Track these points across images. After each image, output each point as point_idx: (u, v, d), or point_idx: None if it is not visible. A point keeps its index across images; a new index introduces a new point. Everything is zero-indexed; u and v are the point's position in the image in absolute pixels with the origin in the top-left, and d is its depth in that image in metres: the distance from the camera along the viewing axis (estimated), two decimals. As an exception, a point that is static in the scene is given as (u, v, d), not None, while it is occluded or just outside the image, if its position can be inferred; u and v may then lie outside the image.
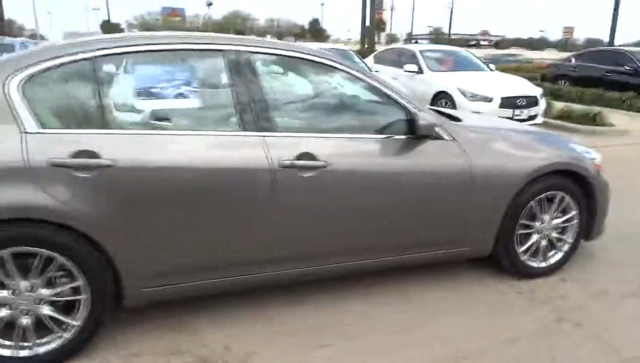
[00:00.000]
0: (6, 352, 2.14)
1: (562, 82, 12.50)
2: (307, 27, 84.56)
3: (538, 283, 3.04)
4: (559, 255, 3.16)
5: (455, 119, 3.14)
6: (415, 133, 2.64)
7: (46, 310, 2.18)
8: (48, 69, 2.17)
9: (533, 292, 2.94)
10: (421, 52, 9.45)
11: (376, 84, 2.69)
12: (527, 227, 3.02)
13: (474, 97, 7.81)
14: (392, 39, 79.95)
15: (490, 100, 7.74)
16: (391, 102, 2.69)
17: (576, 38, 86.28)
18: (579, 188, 3.07)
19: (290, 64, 2.65)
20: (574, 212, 3.09)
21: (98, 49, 2.25)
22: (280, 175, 2.38)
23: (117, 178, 2.16)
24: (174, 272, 2.35)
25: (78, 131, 2.16)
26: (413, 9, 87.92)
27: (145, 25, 70.19)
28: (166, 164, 2.22)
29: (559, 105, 9.48)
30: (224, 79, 2.41)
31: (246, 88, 2.40)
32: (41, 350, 2.19)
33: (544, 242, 3.10)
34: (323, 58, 2.62)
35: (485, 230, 2.90)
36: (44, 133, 2.11)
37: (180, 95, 2.38)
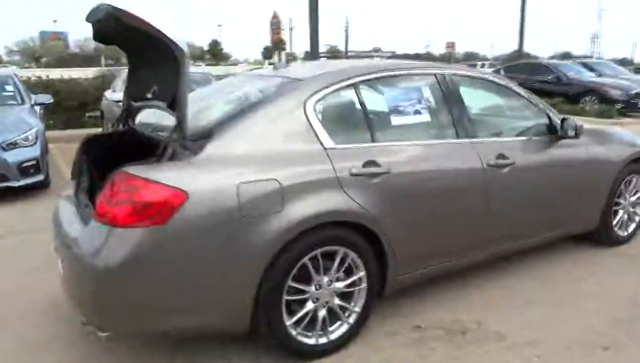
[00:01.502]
0: (310, 341, 2.46)
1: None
2: (206, 48, 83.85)
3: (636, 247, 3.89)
4: (634, 226, 4.03)
5: None
6: (558, 133, 3.35)
7: (337, 300, 2.53)
8: (333, 92, 2.56)
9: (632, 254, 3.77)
10: None
11: (530, 98, 3.37)
12: (617, 204, 3.84)
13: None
14: (293, 57, 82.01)
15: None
16: (540, 112, 3.38)
17: (457, 52, 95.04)
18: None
19: (475, 83, 3.24)
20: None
21: (361, 75, 2.68)
22: (488, 172, 2.94)
23: (392, 183, 2.58)
24: (420, 260, 2.80)
25: (362, 145, 2.56)
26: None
27: (28, 51, 65.36)
28: (419, 169, 2.69)
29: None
30: (440, 96, 2.94)
31: (457, 103, 2.95)
32: (333, 336, 2.52)
33: (625, 216, 3.95)
34: (495, 78, 3.25)
35: (595, 208, 3.67)
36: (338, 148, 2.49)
37: (417, 112, 2.86)
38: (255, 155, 2.30)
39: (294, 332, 2.39)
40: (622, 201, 3.88)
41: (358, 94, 2.65)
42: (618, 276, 3.43)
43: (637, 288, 3.23)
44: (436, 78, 2.97)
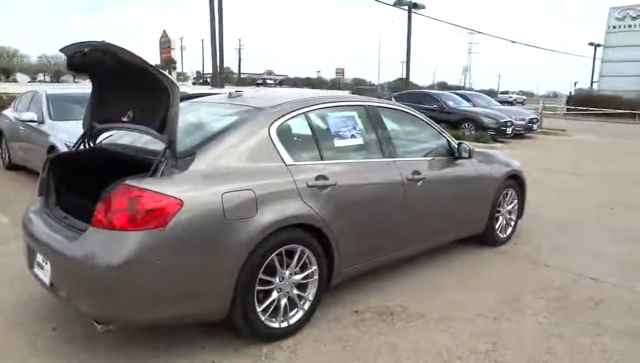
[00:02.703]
0: (275, 325, 2.95)
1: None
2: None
3: (511, 246, 4.88)
4: (510, 229, 5.05)
5: None
6: (455, 154, 4.22)
7: (295, 290, 3.05)
8: (289, 119, 3.12)
9: (509, 251, 4.75)
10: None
11: (433, 125, 4.20)
12: (499, 211, 4.83)
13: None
14: (184, 77, 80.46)
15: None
16: (442, 137, 4.23)
17: (346, 78, 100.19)
18: (517, 183, 5.02)
19: (392, 112, 3.98)
20: (515, 201, 5.03)
21: (310, 105, 3.27)
22: (407, 184, 3.68)
23: (337, 193, 3.19)
24: (358, 256, 3.43)
25: (314, 162, 3.15)
26: (202, 49, 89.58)
27: None
28: (358, 182, 3.34)
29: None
30: (368, 123, 3.63)
31: (381, 128, 3.67)
32: (292, 320, 3.04)
33: (504, 222, 4.95)
34: (407, 108, 4.04)
35: (483, 215, 4.61)
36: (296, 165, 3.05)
37: (353, 136, 3.50)
38: (234, 170, 2.77)
39: (263, 318, 2.87)
40: (501, 209, 4.87)
41: (309, 121, 3.24)
42: (500, 267, 4.35)
43: (512, 277, 4.15)
44: (365, 108, 3.66)
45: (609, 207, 6.74)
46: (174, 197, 2.50)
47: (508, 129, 14.48)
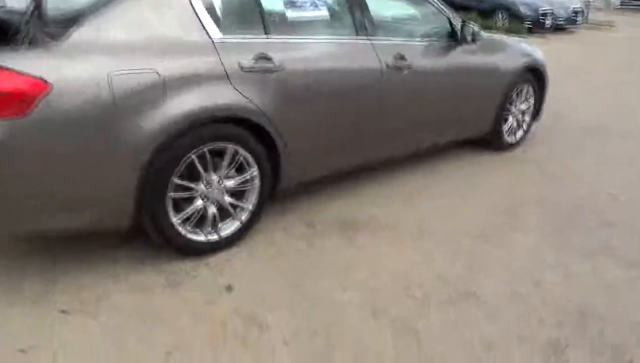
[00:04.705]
0: (200, 238, 2.45)
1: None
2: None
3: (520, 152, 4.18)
4: (521, 133, 4.29)
5: None
6: (457, 39, 3.39)
7: (228, 198, 2.51)
8: None
9: (516, 158, 4.06)
10: None
11: (433, 2, 3.35)
12: (508, 111, 4.06)
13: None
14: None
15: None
16: (441, 15, 3.38)
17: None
18: (536, 79, 4.17)
19: None
20: (532, 100, 4.22)
21: None
22: (386, 73, 2.95)
23: (286, 80, 2.51)
24: (316, 159, 2.82)
25: (253, 38, 2.43)
26: None
27: None
28: (316, 67, 2.63)
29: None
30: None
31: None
32: (224, 233, 2.53)
33: (515, 123, 4.19)
34: None
35: (489, 114, 3.86)
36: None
37: (315, 6, 2.73)
38: (131, 44, 2.11)
39: (182, 230, 2.36)
40: (512, 108, 4.08)
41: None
42: (501, 177, 3.69)
43: (513, 188, 3.50)
44: None
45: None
46: (36, 76, 1.87)
47: (547, 20, 12.90)
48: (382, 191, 3.27)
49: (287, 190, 2.82)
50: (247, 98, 2.34)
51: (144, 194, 2.18)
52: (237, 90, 2.33)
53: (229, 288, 2.26)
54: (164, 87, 2.11)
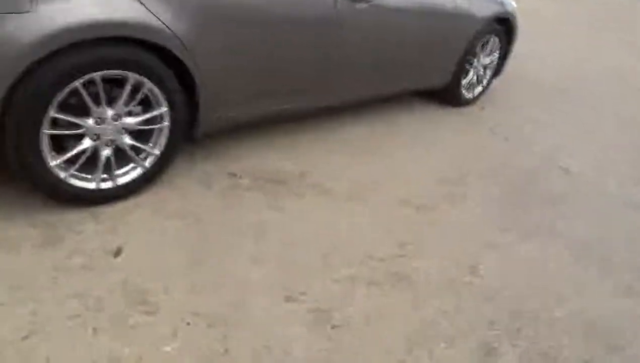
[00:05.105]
0: (90, 185, 2.00)
1: None
2: None
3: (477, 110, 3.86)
4: (480, 88, 3.96)
5: None
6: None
7: (128, 139, 2.05)
8: None
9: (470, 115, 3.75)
10: None
11: None
12: (470, 63, 3.69)
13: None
14: None
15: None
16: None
17: None
18: (505, 31, 3.79)
19: None
20: (496, 53, 3.85)
21: None
22: (341, 4, 2.47)
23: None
24: (243, 99, 2.37)
25: None
26: None
27: None
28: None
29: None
30: None
31: None
32: (121, 180, 2.09)
33: (475, 78, 3.84)
34: None
35: (450, 64, 3.48)
36: None
37: None
38: None
39: (62, 174, 1.90)
40: (474, 61, 3.72)
41: None
42: (452, 137, 3.38)
43: (463, 152, 3.21)
44: None
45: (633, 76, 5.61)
46: None
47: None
48: (319, 145, 2.88)
49: (208, 134, 2.37)
50: (151, 12, 1.83)
51: (6, 129, 1.69)
52: (141, 2, 1.80)
53: (117, 252, 1.85)
54: (34, -12, 1.57)
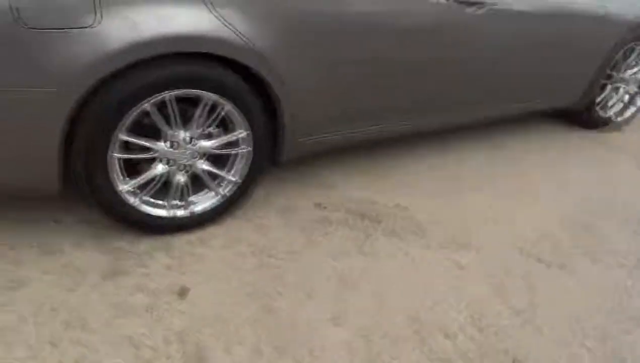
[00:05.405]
0: (162, 212, 1.83)
1: None
2: None
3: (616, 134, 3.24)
4: (619, 108, 3.31)
5: None
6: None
7: (204, 165, 1.85)
8: None
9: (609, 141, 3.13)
10: None
11: None
12: (609, 76, 3.09)
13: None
14: None
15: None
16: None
17: None
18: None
19: None
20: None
21: None
22: (454, 10, 2.11)
23: (296, 4, 1.74)
24: (333, 121, 2.09)
25: None
26: None
27: None
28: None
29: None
30: None
31: None
32: (197, 208, 1.90)
33: (614, 93, 3.22)
34: None
35: (581, 79, 2.93)
36: None
37: None
38: None
39: (132, 200, 1.74)
40: (614, 74, 3.11)
41: None
42: (588, 166, 2.82)
43: (603, 183, 2.64)
44: None
45: None
46: None
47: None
48: (419, 174, 2.51)
49: (294, 159, 2.12)
50: (230, 25, 1.61)
51: (73, 153, 1.56)
52: (216, 13, 1.59)
53: (183, 293, 1.65)
54: (98, 0, 1.41)
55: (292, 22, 1.75)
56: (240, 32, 1.62)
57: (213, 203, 1.92)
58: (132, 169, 1.74)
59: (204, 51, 1.60)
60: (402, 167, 2.52)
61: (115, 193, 1.69)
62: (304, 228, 2.00)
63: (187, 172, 1.82)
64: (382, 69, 2.07)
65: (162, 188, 1.80)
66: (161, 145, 1.71)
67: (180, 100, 1.66)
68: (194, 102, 1.70)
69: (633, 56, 3.12)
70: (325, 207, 2.15)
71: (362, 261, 1.86)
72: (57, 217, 1.90)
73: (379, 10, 1.94)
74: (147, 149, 1.70)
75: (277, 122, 1.90)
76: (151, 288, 1.64)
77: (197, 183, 1.87)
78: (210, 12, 1.56)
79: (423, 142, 2.73)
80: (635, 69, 3.20)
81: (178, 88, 1.61)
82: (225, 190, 1.92)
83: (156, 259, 1.76)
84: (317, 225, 2.03)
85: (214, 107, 1.73)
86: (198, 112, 1.70)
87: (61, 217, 1.90)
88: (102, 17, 1.41)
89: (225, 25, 1.59)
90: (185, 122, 1.72)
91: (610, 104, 3.23)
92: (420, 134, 2.63)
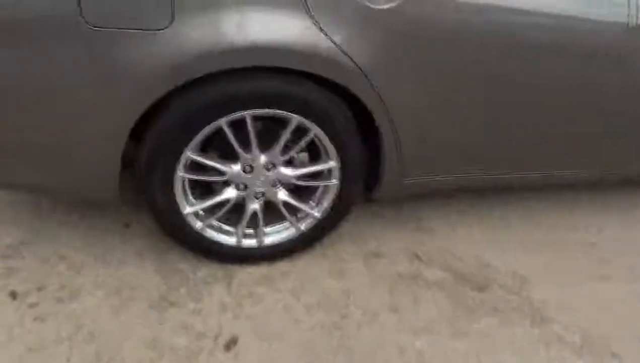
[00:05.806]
0: (230, 240, 1.61)
1: None
2: None
3: None
4: None
5: None
6: None
7: (282, 195, 1.58)
8: None
9: None
10: None
11: None
12: None
13: None
14: None
15: None
16: None
17: None
18: None
19: None
20: None
21: None
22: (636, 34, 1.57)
23: (413, 14, 1.37)
24: (449, 160, 1.69)
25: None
26: None
27: None
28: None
29: None
30: None
31: None
32: (268, 240, 1.64)
33: None
34: None
35: None
36: None
37: None
38: None
39: (198, 224, 1.54)
40: None
41: None
42: None
43: None
44: None
45: None
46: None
47: None
48: (550, 239, 2.00)
49: (390, 198, 1.78)
50: (329, 37, 1.29)
51: (136, 165, 1.39)
52: (316, 23, 1.28)
53: (229, 344, 1.41)
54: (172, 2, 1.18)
55: (410, 36, 1.39)
56: (340, 45, 1.31)
57: (287, 237, 1.66)
58: (204, 189, 1.54)
59: (293, 67, 1.31)
60: (530, 228, 2.03)
61: (179, 216, 1.50)
62: (391, 286, 1.65)
63: (261, 200, 1.57)
64: (521, 99, 1.61)
65: (234, 213, 1.58)
66: (235, 168, 1.48)
67: (262, 118, 1.40)
68: (279, 121, 1.44)
69: None
70: (420, 259, 1.78)
71: (450, 345, 1.47)
72: (128, 221, 1.78)
73: (537, 28, 1.48)
74: (218, 171, 1.47)
75: (377, 155, 1.57)
76: (197, 330, 1.43)
77: (276, 213, 1.62)
78: (311, 19, 1.27)
79: (561, 197, 2.19)
80: None
81: (259, 107, 1.35)
82: (303, 225, 1.64)
83: (212, 292, 1.56)
84: (407, 282, 1.67)
85: (301, 131, 1.45)
86: (283, 137, 1.43)
87: (131, 222, 1.77)
88: (174, 18, 1.18)
89: (324, 36, 1.29)
90: (266, 144, 1.46)
91: None
92: (561, 186, 2.11)
